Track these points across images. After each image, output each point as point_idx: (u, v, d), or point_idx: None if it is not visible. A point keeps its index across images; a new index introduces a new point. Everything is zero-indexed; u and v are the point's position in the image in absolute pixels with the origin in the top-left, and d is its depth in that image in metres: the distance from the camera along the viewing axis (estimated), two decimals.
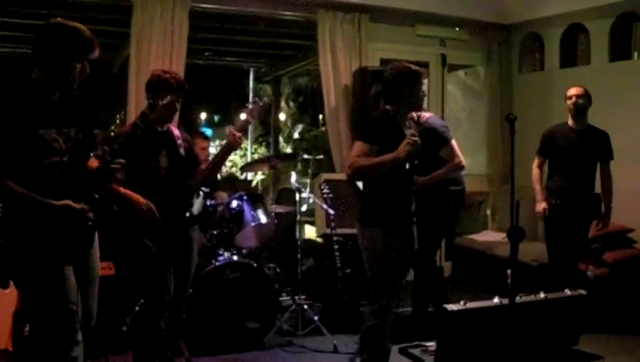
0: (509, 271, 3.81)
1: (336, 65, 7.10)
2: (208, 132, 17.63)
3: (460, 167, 5.30)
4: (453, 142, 5.34)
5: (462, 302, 4.17)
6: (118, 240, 4.30)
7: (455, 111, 8.66)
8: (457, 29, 8.00)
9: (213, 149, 8.78)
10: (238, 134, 4.31)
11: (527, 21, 7.96)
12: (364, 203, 4.38)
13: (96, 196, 3.32)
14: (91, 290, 3.47)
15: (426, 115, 5.42)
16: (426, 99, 8.06)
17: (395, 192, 4.18)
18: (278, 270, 6.07)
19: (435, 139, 5.13)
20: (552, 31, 7.71)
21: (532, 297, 4.41)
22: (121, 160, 3.28)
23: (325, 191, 5.83)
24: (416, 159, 4.19)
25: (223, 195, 5.93)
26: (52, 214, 3.09)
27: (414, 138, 3.93)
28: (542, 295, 4.45)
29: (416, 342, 5.26)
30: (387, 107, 4.26)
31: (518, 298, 4.12)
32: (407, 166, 4.14)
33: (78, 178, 3.23)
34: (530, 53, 8.28)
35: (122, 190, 4.03)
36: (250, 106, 4.50)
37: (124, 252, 4.37)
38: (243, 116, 4.51)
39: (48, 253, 3.13)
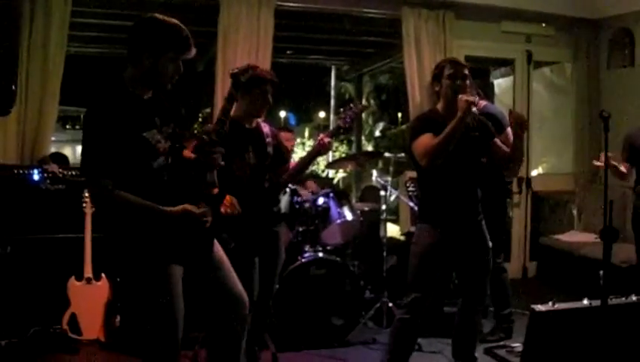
0: (601, 272, 3.73)
1: (421, 63, 7.06)
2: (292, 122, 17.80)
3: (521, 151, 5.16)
4: (509, 130, 5.24)
5: (550, 303, 4.09)
6: None
7: (541, 109, 8.50)
8: (544, 24, 7.85)
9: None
10: (328, 139, 4.33)
11: (616, 15, 7.73)
12: (420, 198, 4.40)
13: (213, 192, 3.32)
14: (228, 276, 3.42)
15: (482, 102, 5.35)
16: (510, 96, 8.05)
17: (448, 188, 4.13)
18: (362, 267, 6.09)
19: (493, 126, 4.96)
20: None
21: (623, 299, 4.30)
22: (221, 148, 3.31)
23: (411, 188, 5.82)
24: (483, 131, 4.16)
25: (312, 185, 5.98)
26: (172, 222, 3.01)
27: (468, 98, 3.87)
28: (634, 297, 4.34)
29: (502, 343, 5.22)
30: (438, 105, 4.22)
31: (609, 300, 4.03)
32: (475, 134, 4.10)
33: (186, 176, 3.20)
34: (620, 48, 8.02)
35: None
36: (344, 112, 4.51)
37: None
38: (336, 121, 4.55)
39: (159, 255, 3.07)
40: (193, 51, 3.14)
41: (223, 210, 3.98)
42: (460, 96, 3.90)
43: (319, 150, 4.36)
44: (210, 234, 3.28)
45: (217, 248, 3.44)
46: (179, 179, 3.17)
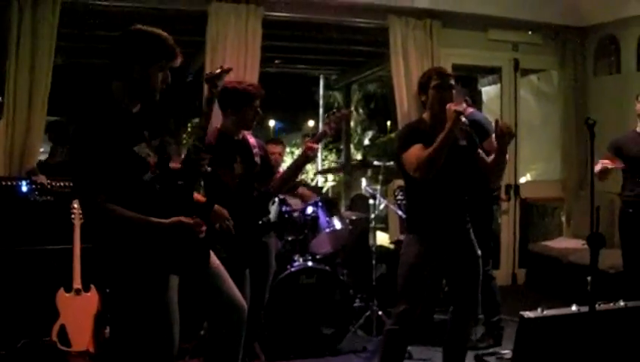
0: (588, 278, 3.74)
1: (408, 72, 7.09)
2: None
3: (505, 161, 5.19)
4: (493, 137, 5.26)
5: (539, 310, 4.11)
6: None
7: (528, 117, 8.54)
8: (530, 32, 7.91)
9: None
10: (315, 146, 4.34)
11: (602, 23, 7.79)
12: (407, 209, 4.41)
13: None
14: (225, 284, 3.46)
15: (469, 109, 5.39)
16: (498, 103, 8.09)
17: (436, 198, 4.12)
18: (351, 276, 6.09)
19: (478, 132, 4.96)
20: (629, 32, 7.52)
21: (611, 305, 4.32)
22: (206, 154, 3.29)
23: (399, 197, 5.83)
24: (469, 140, 4.17)
25: (306, 192, 5.98)
26: (165, 234, 2.99)
27: (456, 107, 3.85)
28: (621, 303, 4.36)
29: (492, 350, 5.24)
30: (424, 115, 4.23)
31: (597, 306, 4.04)
32: (463, 143, 4.09)
33: (174, 186, 3.17)
34: (606, 56, 8.08)
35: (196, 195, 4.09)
36: (329, 118, 4.51)
37: None
38: (322, 127, 4.55)
39: (160, 272, 3.07)
40: (180, 59, 3.13)
41: (217, 225, 3.97)
42: (448, 105, 3.90)
43: (306, 156, 4.36)
44: (206, 244, 3.28)
45: (213, 257, 3.46)
46: (169, 189, 3.15)
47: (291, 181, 4.81)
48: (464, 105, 5.18)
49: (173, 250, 3.06)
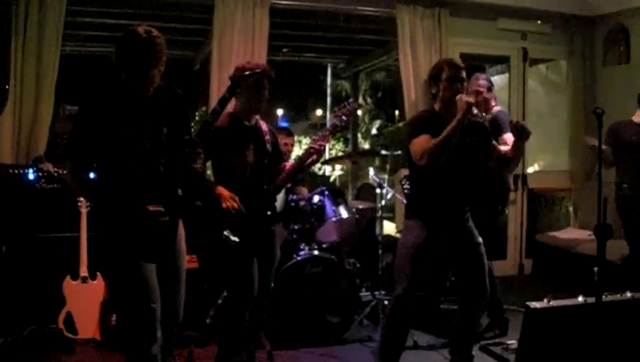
0: (595, 269, 3.73)
1: (416, 60, 7.07)
2: (284, 124, 17.78)
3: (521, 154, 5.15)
4: (508, 135, 5.24)
5: (545, 300, 4.10)
6: (201, 233, 4.27)
7: (536, 107, 8.51)
8: (539, 22, 7.87)
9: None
10: (321, 142, 4.27)
11: (611, 13, 7.75)
12: (409, 195, 4.43)
13: (179, 192, 3.35)
14: (178, 290, 3.48)
15: (497, 107, 5.38)
16: (506, 93, 8.05)
17: (438, 188, 4.14)
18: (358, 265, 6.09)
19: (494, 129, 4.91)
20: (639, 22, 7.48)
21: (618, 296, 4.31)
22: (199, 149, 3.30)
23: (406, 186, 5.82)
24: (481, 137, 4.16)
25: (303, 191, 5.97)
26: (126, 215, 3.15)
27: (468, 98, 3.87)
28: (628, 294, 4.35)
29: (497, 340, 5.23)
30: (435, 105, 4.22)
31: (603, 296, 4.03)
32: (471, 140, 4.09)
33: (157, 174, 3.25)
34: (615, 45, 8.04)
35: (209, 183, 4.09)
36: (340, 110, 4.46)
37: (208, 245, 4.37)
38: (332, 120, 4.50)
39: (127, 250, 3.20)
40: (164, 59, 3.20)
41: (224, 204, 3.95)
42: (459, 96, 3.90)
43: (310, 152, 4.28)
44: (168, 232, 3.36)
45: (183, 261, 3.52)
46: (153, 175, 3.25)
47: (297, 175, 4.72)
48: (492, 101, 5.17)
49: (144, 237, 3.20)
